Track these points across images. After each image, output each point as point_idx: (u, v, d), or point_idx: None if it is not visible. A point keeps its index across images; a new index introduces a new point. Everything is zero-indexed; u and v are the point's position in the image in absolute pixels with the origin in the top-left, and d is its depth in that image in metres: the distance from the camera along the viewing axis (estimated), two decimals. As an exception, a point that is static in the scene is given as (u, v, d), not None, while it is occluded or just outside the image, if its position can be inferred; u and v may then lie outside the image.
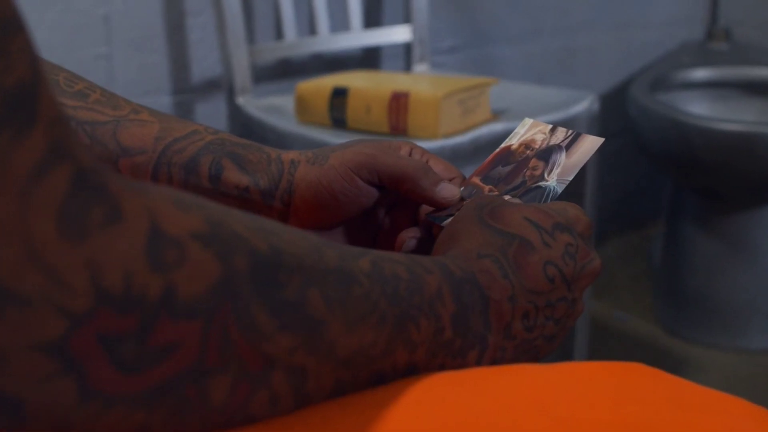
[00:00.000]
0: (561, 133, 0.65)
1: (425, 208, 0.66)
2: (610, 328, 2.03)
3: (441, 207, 0.63)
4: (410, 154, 0.66)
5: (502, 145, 0.67)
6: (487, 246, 0.52)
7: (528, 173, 0.63)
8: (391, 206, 0.67)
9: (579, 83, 2.19)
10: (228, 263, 0.36)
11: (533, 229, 0.52)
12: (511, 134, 0.67)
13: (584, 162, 0.62)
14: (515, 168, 0.64)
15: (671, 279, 2.00)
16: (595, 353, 1.92)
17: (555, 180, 0.61)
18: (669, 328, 2.00)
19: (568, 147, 0.63)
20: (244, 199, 0.63)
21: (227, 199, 0.63)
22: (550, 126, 0.65)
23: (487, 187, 0.64)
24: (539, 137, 0.65)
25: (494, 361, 0.51)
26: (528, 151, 0.64)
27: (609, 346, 1.97)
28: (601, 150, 1.60)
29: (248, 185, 0.63)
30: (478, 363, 0.50)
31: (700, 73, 2.08)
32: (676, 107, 1.85)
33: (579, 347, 1.71)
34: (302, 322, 0.39)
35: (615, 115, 2.28)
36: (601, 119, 2.16)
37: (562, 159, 0.62)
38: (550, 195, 0.61)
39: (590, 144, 0.63)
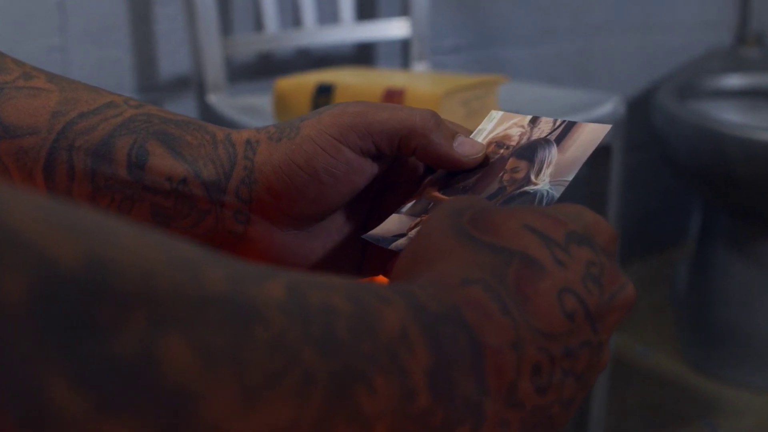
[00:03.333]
0: (546, 125, 0.55)
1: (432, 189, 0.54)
2: (631, 365, 1.99)
3: (462, 168, 0.54)
4: None
5: None
6: (475, 267, 0.41)
7: (506, 177, 0.53)
8: (382, 189, 0.58)
9: (596, 90, 2.15)
10: None
11: (539, 241, 0.42)
12: (475, 132, 0.57)
13: (586, 157, 0.52)
14: (487, 172, 0.54)
15: (699, 309, 1.97)
16: (616, 393, 1.88)
17: (548, 182, 0.51)
18: (697, 365, 1.97)
19: (559, 140, 0.53)
20: (180, 195, 0.53)
21: (156, 196, 0.53)
22: (529, 117, 0.56)
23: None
24: (515, 132, 0.55)
25: None
26: (502, 150, 0.55)
27: (630, 385, 1.93)
28: (622, 164, 1.48)
29: (185, 176, 0.53)
30: None
31: (732, 80, 2.05)
32: (709, 116, 1.80)
33: (598, 387, 1.62)
34: (153, 398, 0.26)
35: (636, 125, 2.20)
36: (626, 126, 2.10)
37: (552, 155, 0.53)
38: (544, 202, 0.51)
39: (591, 133, 0.52)
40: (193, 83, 1.66)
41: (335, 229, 0.56)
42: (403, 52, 1.85)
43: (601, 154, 1.48)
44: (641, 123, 2.23)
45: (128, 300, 0.26)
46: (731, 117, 2.00)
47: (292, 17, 1.71)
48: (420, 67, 1.73)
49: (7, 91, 0.53)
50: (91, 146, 0.53)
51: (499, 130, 0.56)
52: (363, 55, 1.84)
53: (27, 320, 0.24)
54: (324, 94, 1.36)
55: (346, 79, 1.39)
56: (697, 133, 1.74)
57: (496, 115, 0.57)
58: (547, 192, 0.51)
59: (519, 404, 0.40)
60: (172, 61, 1.64)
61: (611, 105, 1.47)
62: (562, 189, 0.51)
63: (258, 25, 1.69)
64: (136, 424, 0.26)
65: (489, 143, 0.55)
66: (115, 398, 0.25)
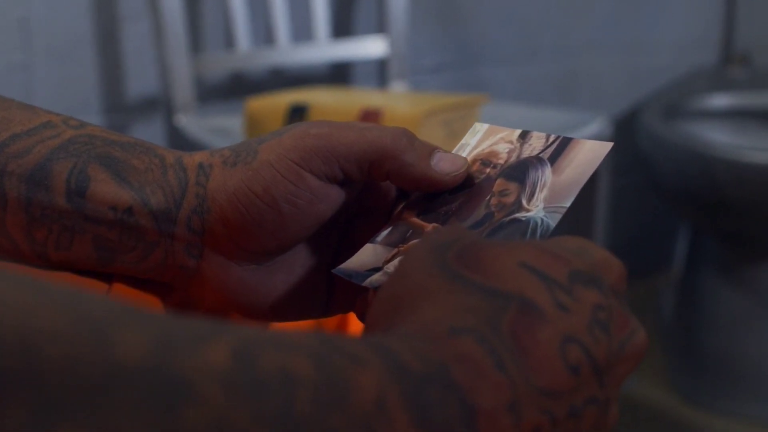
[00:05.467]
0: (538, 140, 0.50)
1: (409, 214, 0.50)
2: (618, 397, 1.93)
3: (443, 188, 0.49)
4: None
5: None
6: (465, 314, 0.37)
7: (494, 201, 0.48)
8: (353, 216, 0.53)
9: (581, 110, 2.08)
10: None
11: (539, 282, 0.38)
12: (457, 147, 0.51)
13: (585, 180, 0.47)
14: (471, 195, 0.49)
15: (687, 338, 1.94)
16: None
17: (541, 208, 0.47)
18: (686, 396, 1.93)
19: (554, 159, 0.48)
20: (125, 226, 0.49)
21: (98, 227, 0.48)
22: (519, 131, 0.51)
23: (429, 227, 0.49)
24: (503, 148, 0.51)
25: None
26: (488, 169, 0.50)
27: (618, 418, 1.84)
28: (606, 188, 1.44)
29: (131, 204, 0.49)
30: None
31: (719, 100, 2.02)
32: (697, 137, 1.78)
33: None
34: None
35: (621, 147, 2.13)
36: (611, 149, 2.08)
37: (546, 177, 0.48)
38: (538, 232, 0.46)
39: (590, 152, 0.48)
40: (162, 103, 1.63)
41: (299, 263, 0.51)
42: (380, 71, 1.81)
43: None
44: (626, 145, 2.21)
45: (4, 381, 0.21)
46: (718, 137, 1.98)
47: (265, 35, 1.67)
48: (398, 87, 1.69)
49: None
50: (26, 171, 0.49)
51: (485, 146, 0.51)
52: (339, 74, 1.81)
53: None
54: (297, 114, 1.32)
55: (320, 98, 1.36)
56: (685, 155, 1.72)
57: (480, 128, 0.52)
58: (542, 220, 0.46)
59: None
60: (139, 81, 1.61)
61: (597, 126, 1.44)
62: (558, 217, 0.46)
63: (229, 42, 1.66)
64: None
65: (473, 160, 0.50)
66: None
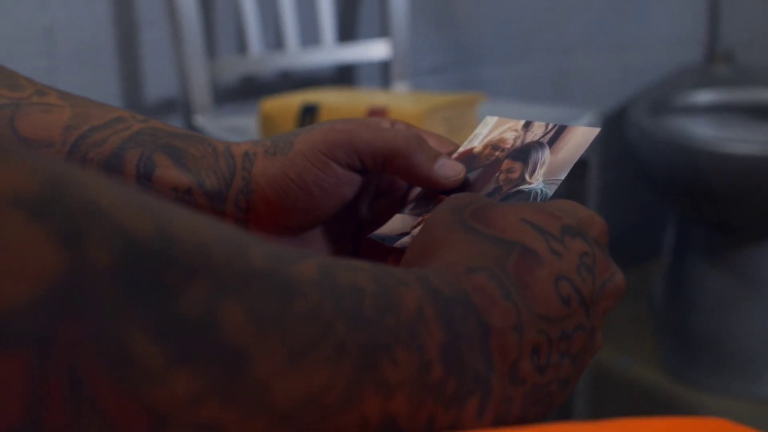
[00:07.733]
0: (539, 129, 0.57)
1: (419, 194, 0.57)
2: (610, 376, 1.97)
3: (442, 189, 0.56)
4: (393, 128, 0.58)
5: (460, 150, 0.59)
6: (479, 257, 0.44)
7: (502, 177, 0.56)
8: (373, 198, 0.60)
9: (572, 107, 2.11)
10: (78, 251, 0.25)
11: (536, 234, 0.44)
12: (471, 136, 0.59)
13: (577, 157, 0.54)
14: (483, 173, 0.57)
15: (676, 320, 1.96)
16: (596, 404, 1.87)
17: (541, 181, 0.54)
18: (676, 374, 1.96)
19: (552, 142, 0.56)
20: (185, 205, 0.55)
21: None
22: (523, 122, 0.58)
23: None
24: (510, 135, 0.58)
25: (499, 417, 0.42)
26: (497, 153, 0.57)
27: (611, 395, 1.91)
28: (599, 179, 1.49)
29: (190, 186, 0.55)
30: (480, 416, 0.41)
31: (704, 96, 2.04)
32: (683, 130, 1.79)
33: (578, 398, 1.62)
34: (213, 353, 0.29)
35: (612, 142, 2.20)
36: (603, 142, 2.08)
37: (545, 156, 0.55)
38: (539, 199, 0.53)
39: (582, 136, 0.55)
40: (180, 105, 1.65)
41: (330, 235, 0.59)
42: (383, 72, 1.84)
43: (578, 169, 1.48)
44: (617, 139, 2.23)
45: (191, 268, 0.29)
46: (703, 131, 1.99)
47: (275, 40, 1.70)
48: (401, 87, 1.73)
49: (22, 107, 0.55)
50: (103, 158, 0.55)
51: (495, 134, 0.58)
52: (344, 75, 1.83)
53: (113, 280, 0.26)
54: (309, 113, 1.36)
55: (330, 98, 1.39)
56: (671, 148, 1.74)
57: (491, 120, 0.59)
58: (541, 190, 0.53)
59: (521, 381, 0.42)
60: (158, 83, 1.63)
61: (587, 121, 1.48)
62: (555, 187, 0.53)
63: (242, 47, 1.68)
64: (199, 376, 0.28)
65: (485, 146, 0.58)
66: (183, 352, 0.27)
